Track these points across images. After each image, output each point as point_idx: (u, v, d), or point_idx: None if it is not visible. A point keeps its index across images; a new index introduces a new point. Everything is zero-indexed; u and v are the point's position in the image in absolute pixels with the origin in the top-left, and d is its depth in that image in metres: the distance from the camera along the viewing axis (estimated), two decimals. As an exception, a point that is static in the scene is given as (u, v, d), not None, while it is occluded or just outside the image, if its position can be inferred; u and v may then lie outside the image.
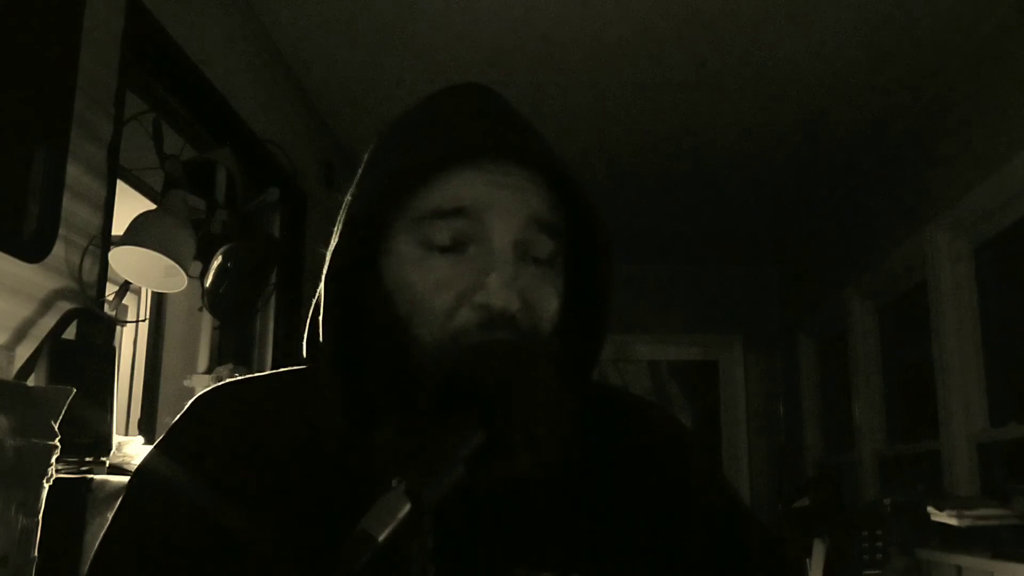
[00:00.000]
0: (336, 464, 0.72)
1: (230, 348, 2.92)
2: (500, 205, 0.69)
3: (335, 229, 0.75)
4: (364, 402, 0.72)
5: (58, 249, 1.64)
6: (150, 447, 0.79)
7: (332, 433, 0.73)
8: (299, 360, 0.80)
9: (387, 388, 0.71)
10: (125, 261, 1.87)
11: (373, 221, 0.72)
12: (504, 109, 0.76)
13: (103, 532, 0.75)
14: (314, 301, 0.77)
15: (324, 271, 0.72)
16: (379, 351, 0.71)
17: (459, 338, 0.67)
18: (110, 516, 0.75)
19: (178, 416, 0.79)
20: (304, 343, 0.77)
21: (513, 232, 0.69)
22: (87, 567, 0.74)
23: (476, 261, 0.69)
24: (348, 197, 0.76)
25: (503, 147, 0.70)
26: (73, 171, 1.69)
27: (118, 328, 2.05)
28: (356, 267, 0.72)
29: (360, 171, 0.78)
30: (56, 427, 1.18)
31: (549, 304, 0.71)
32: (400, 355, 0.70)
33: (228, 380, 0.82)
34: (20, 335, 1.56)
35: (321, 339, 0.73)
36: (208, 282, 2.31)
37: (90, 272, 1.76)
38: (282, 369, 0.83)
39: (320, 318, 0.73)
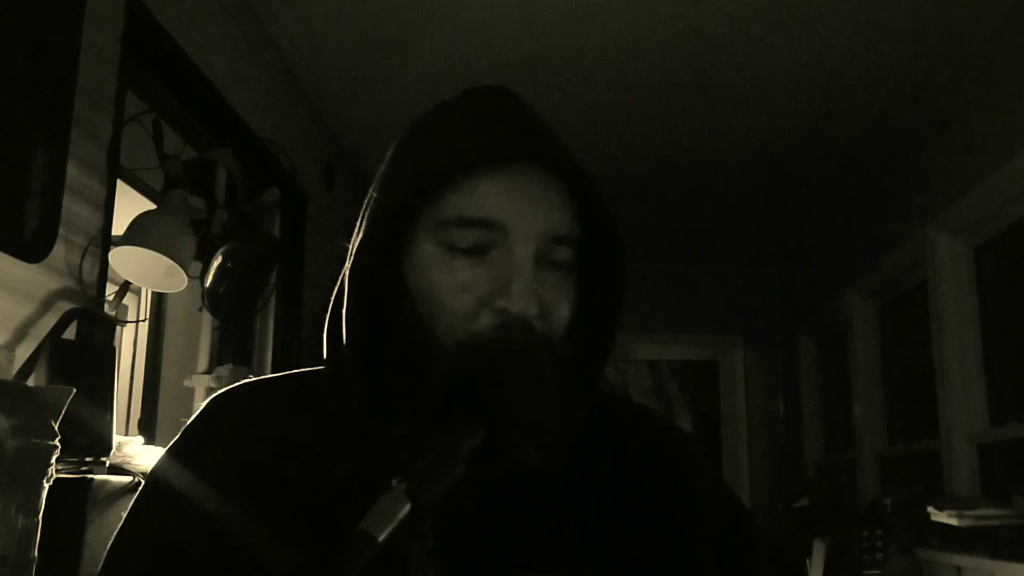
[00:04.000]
0: (353, 464, 0.72)
1: (230, 348, 2.91)
2: (523, 217, 0.70)
3: (358, 225, 0.76)
4: (386, 400, 0.72)
5: (58, 249, 1.64)
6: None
7: (349, 434, 0.73)
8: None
9: (405, 387, 0.71)
10: (125, 261, 1.87)
11: (398, 220, 0.72)
12: (527, 113, 0.77)
13: (116, 532, 0.75)
14: (332, 299, 0.77)
15: (348, 266, 0.73)
16: (399, 350, 0.72)
17: (478, 339, 0.68)
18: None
19: (193, 417, 0.79)
20: (324, 341, 0.77)
21: (535, 242, 0.70)
22: (100, 567, 0.74)
23: (498, 266, 0.70)
24: (372, 193, 0.77)
25: (528, 153, 0.72)
26: (73, 171, 1.69)
27: (118, 328, 2.05)
28: (378, 265, 0.73)
29: (384, 168, 0.79)
30: (56, 427, 1.18)
31: (563, 309, 0.73)
32: (420, 355, 0.70)
33: (244, 381, 0.82)
34: (20, 335, 1.56)
35: (345, 335, 0.73)
36: (208, 282, 2.30)
37: (90, 272, 1.75)
38: (299, 370, 0.83)
39: (343, 313, 0.73)
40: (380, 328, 0.73)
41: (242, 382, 0.82)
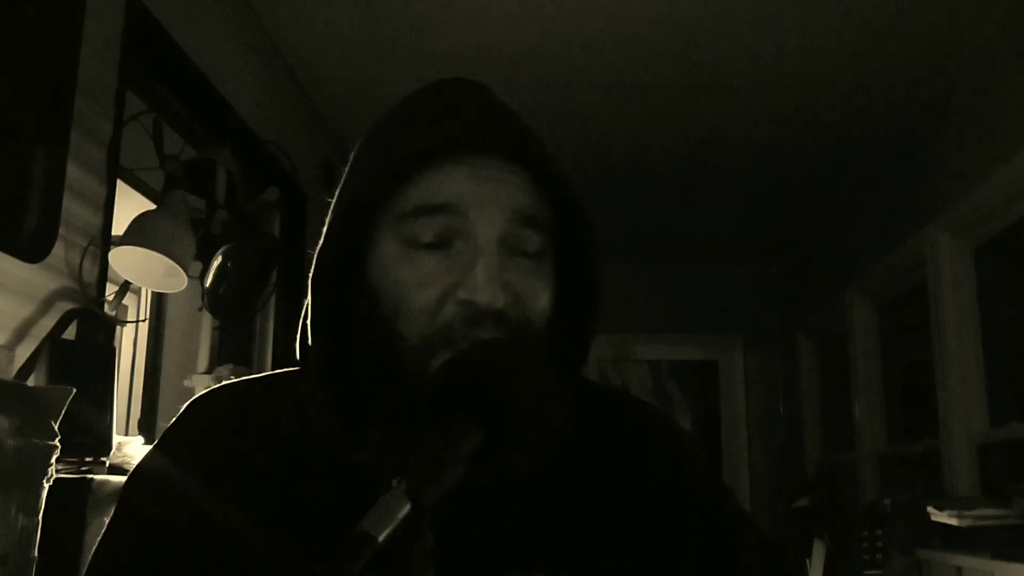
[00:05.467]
0: (331, 464, 0.72)
1: (230, 348, 2.92)
2: (483, 199, 0.68)
3: (323, 230, 0.75)
4: (355, 402, 0.72)
5: (58, 249, 1.64)
6: (150, 447, 0.79)
7: (326, 433, 0.73)
8: (296, 360, 0.80)
9: (376, 388, 0.71)
10: (125, 261, 1.87)
11: (356, 221, 0.71)
12: (487, 103, 0.75)
13: (100, 535, 0.74)
14: (306, 302, 0.76)
15: (310, 274, 0.72)
16: (366, 351, 0.71)
17: (445, 334, 0.67)
18: (110, 516, 0.75)
19: (174, 419, 0.78)
20: (297, 344, 0.77)
21: (498, 226, 0.68)
22: (84, 570, 0.74)
23: (461, 256, 0.68)
24: (335, 198, 0.76)
25: (483, 141, 0.70)
26: (73, 171, 1.69)
27: (118, 328, 2.05)
28: (342, 267, 0.72)
29: (346, 171, 0.77)
30: (56, 427, 1.18)
31: (539, 298, 0.71)
32: (387, 354, 0.70)
33: (224, 382, 0.82)
34: (20, 335, 1.56)
35: (310, 340, 0.73)
36: (208, 282, 2.31)
37: (90, 272, 1.75)
38: (278, 370, 0.83)
39: (308, 320, 0.73)
40: (346, 330, 0.72)
41: (220, 384, 0.81)
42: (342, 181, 0.77)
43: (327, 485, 0.71)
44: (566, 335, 0.76)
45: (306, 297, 0.75)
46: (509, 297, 0.67)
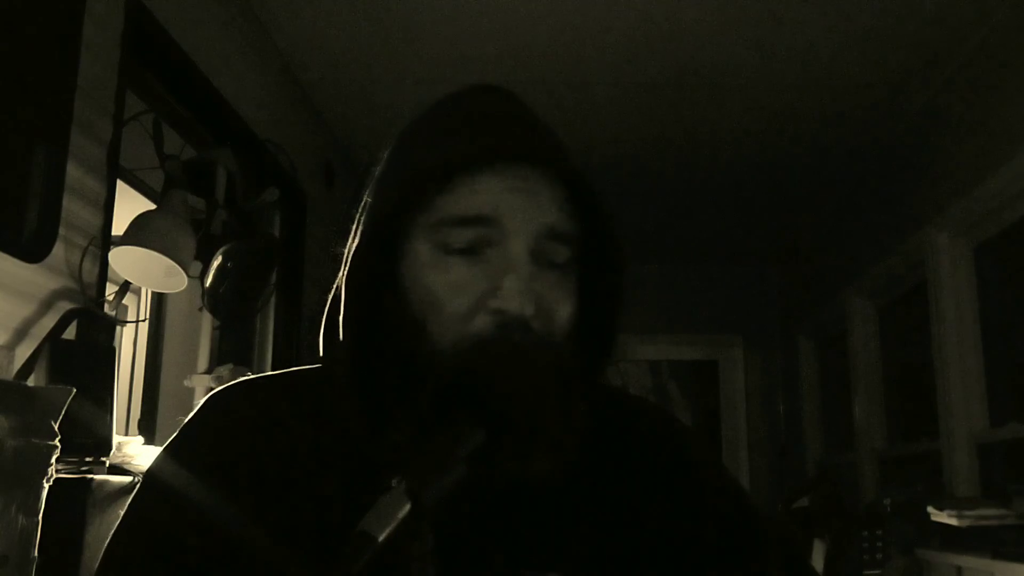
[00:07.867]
0: (350, 464, 0.72)
1: (230, 348, 2.91)
2: (516, 211, 0.69)
3: (354, 228, 0.75)
4: (381, 402, 0.72)
5: (58, 249, 1.64)
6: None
7: (347, 433, 0.73)
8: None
9: (402, 389, 0.71)
10: (125, 261, 1.87)
11: (393, 223, 0.72)
12: (521, 111, 0.77)
13: (112, 531, 0.75)
14: (330, 298, 0.77)
15: (344, 271, 0.73)
16: (395, 352, 0.72)
17: (476, 341, 0.68)
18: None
19: (192, 413, 0.79)
20: (320, 341, 0.77)
21: (530, 238, 0.70)
22: (97, 566, 0.74)
23: (493, 265, 0.69)
24: (367, 199, 0.76)
25: (521, 151, 0.71)
26: (73, 171, 1.69)
27: (118, 328, 2.05)
28: (374, 268, 0.73)
29: (379, 171, 0.78)
30: (56, 427, 1.18)
31: (563, 309, 0.72)
32: (415, 356, 0.70)
33: (242, 379, 0.82)
34: (20, 335, 1.56)
35: (341, 339, 0.73)
36: (208, 282, 2.30)
37: (90, 272, 1.75)
38: (297, 368, 0.83)
39: (340, 317, 0.73)
40: (376, 331, 0.73)
41: (239, 380, 0.81)
42: (375, 182, 0.78)
43: (344, 485, 0.71)
44: (590, 339, 0.76)
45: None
46: (536, 308, 0.69)
